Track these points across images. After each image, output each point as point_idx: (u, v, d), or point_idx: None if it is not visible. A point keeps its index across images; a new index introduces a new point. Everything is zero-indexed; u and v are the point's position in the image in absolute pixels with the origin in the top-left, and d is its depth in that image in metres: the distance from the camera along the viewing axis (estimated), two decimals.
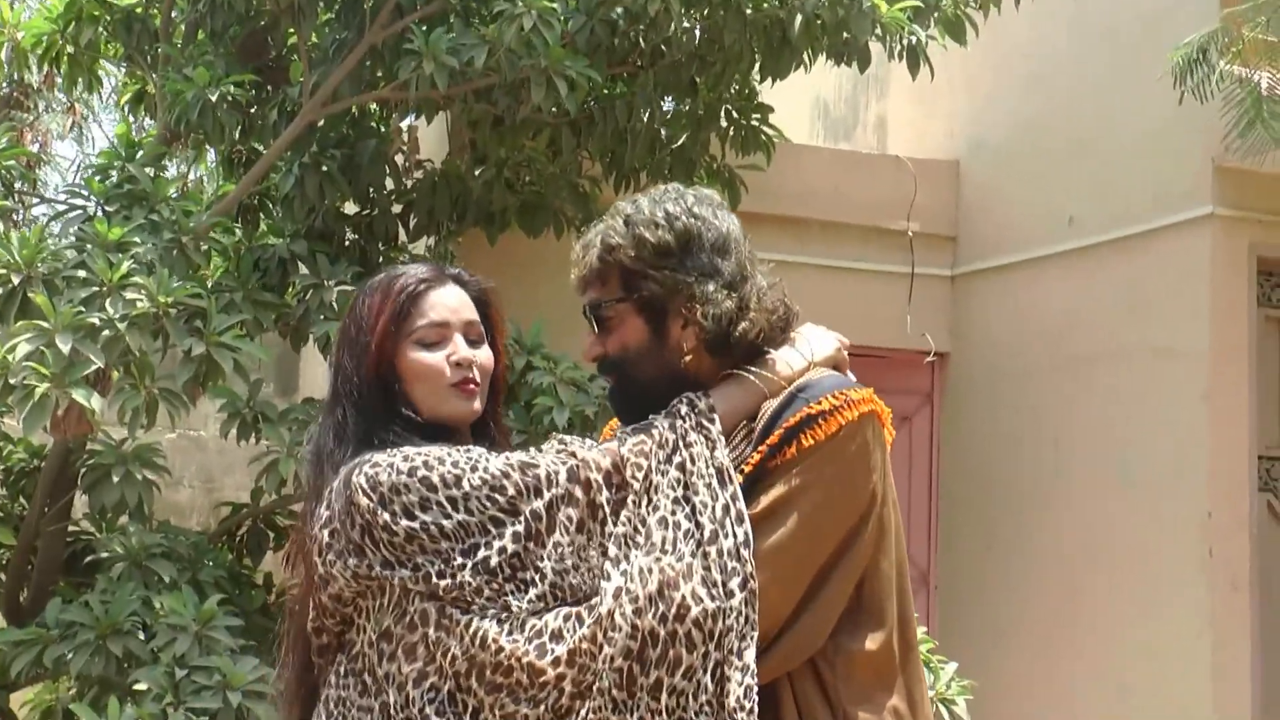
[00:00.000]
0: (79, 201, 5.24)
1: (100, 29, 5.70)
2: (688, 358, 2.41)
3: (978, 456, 8.14)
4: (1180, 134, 6.82)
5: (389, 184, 6.03)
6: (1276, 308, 7.13)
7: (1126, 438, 7.18)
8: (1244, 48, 6.15)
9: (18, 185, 5.31)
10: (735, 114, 6.28)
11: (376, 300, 2.39)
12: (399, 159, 6.04)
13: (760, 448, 2.29)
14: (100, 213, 5.08)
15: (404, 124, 6.07)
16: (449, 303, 2.41)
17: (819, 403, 2.30)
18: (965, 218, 8.41)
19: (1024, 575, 7.73)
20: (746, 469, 2.29)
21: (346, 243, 5.94)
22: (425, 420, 2.36)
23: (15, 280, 4.57)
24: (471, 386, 2.38)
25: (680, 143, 6.09)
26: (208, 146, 6.21)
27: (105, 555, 4.90)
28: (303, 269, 5.62)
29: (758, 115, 6.30)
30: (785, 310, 2.47)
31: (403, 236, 6.13)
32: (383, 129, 5.97)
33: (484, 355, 2.42)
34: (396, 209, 6.07)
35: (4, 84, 6.27)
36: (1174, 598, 6.82)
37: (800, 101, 9.46)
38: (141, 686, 4.40)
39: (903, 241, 8.25)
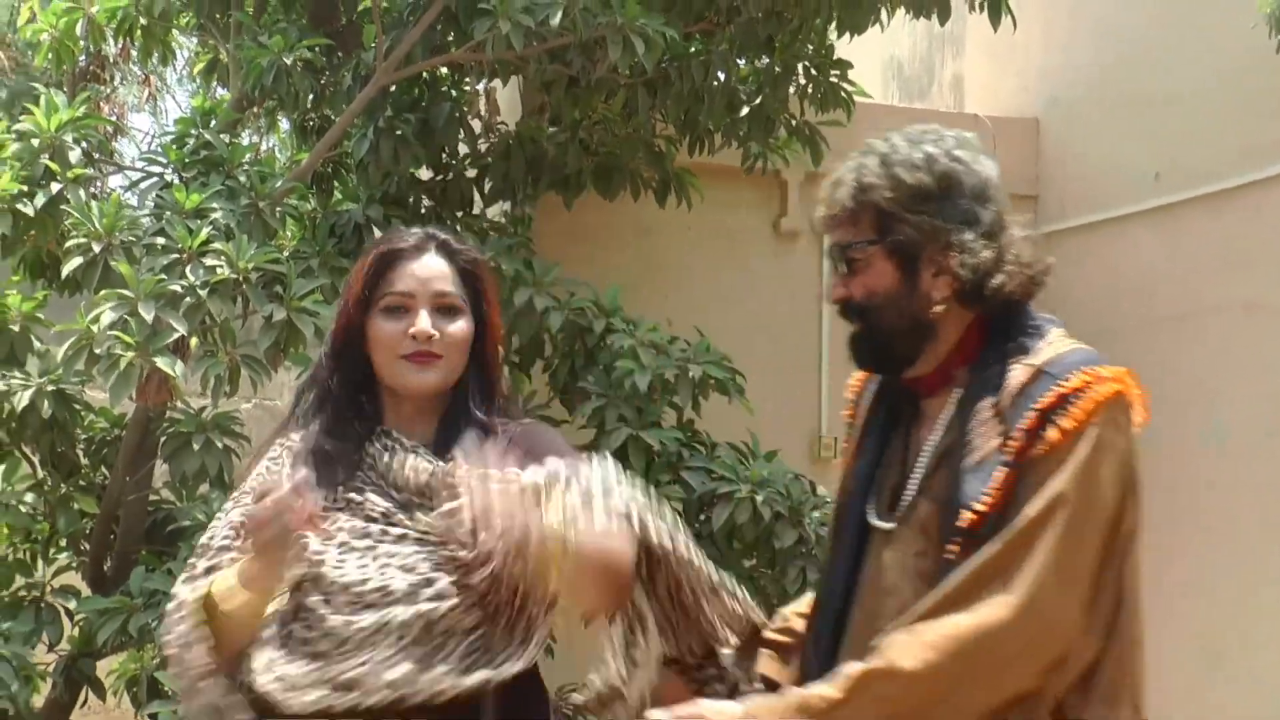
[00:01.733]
0: (155, 169, 5.24)
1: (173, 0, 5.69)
2: (938, 308, 2.32)
3: None
4: (1270, 83, 6.63)
5: (463, 149, 5.99)
6: None
7: (1218, 397, 7.03)
8: None
9: (96, 156, 5.31)
10: (813, 71, 6.18)
11: (360, 264, 2.45)
12: (475, 123, 6.00)
13: (1015, 433, 2.17)
14: (177, 180, 5.07)
15: (480, 86, 6.02)
16: (419, 273, 2.41)
17: (1067, 379, 2.20)
18: (1046, 176, 8.26)
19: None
20: (1007, 457, 2.16)
21: (422, 209, 5.91)
22: (386, 386, 2.42)
23: (96, 249, 4.57)
24: (425, 359, 2.39)
25: (758, 101, 6.01)
26: (280, 115, 6.20)
27: (187, 523, 4.90)
28: (377, 234, 5.59)
29: (836, 72, 6.20)
30: (1043, 265, 2.40)
31: (478, 202, 6.09)
32: (455, 93, 5.92)
33: (454, 327, 2.41)
34: (471, 174, 6.03)
35: (81, 58, 6.25)
36: (1264, 560, 6.68)
37: (874, 62, 9.32)
38: None
39: None
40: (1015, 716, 2.13)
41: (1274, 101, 6.68)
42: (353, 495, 2.38)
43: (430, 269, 2.42)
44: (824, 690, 2.13)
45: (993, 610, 2.08)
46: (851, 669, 2.12)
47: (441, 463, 2.37)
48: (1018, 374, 2.23)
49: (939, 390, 2.35)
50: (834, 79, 6.17)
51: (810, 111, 6.31)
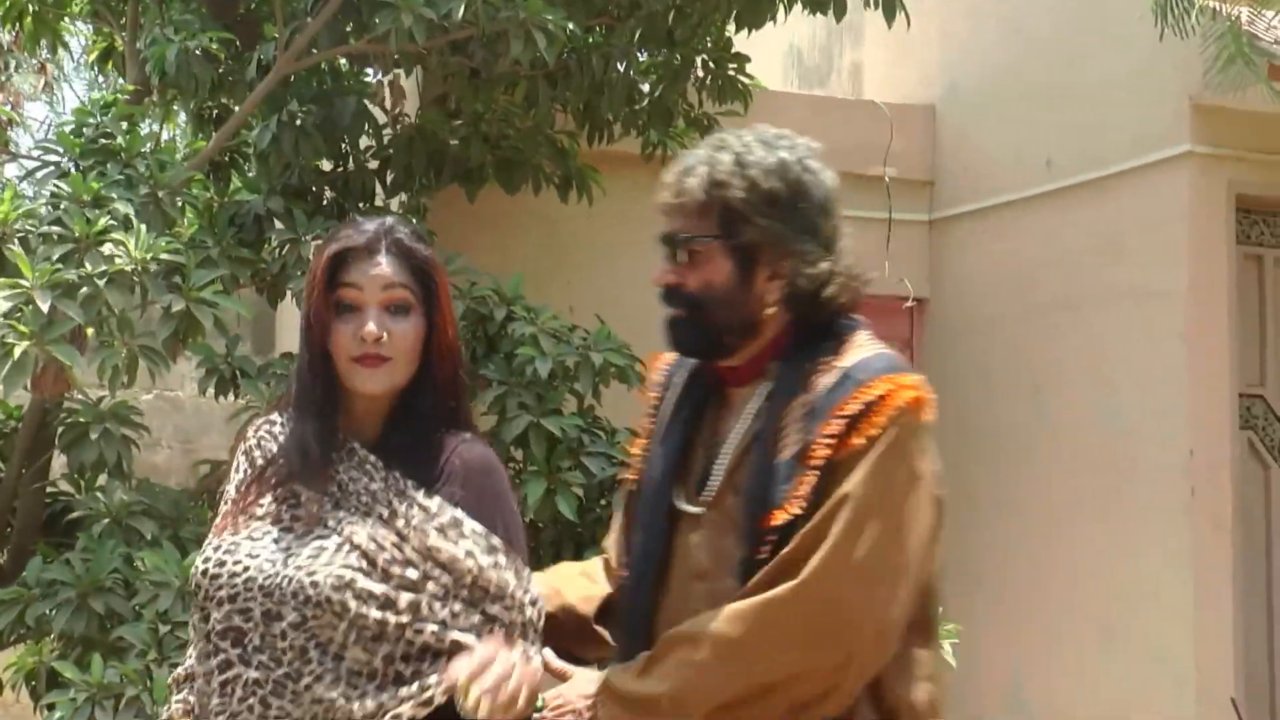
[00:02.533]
0: (52, 158, 5.19)
1: None
2: (769, 310, 2.39)
3: (958, 404, 8.15)
4: (1157, 73, 6.81)
5: (365, 141, 5.99)
6: (1255, 245, 7.15)
7: (1107, 380, 7.20)
8: None
9: None
10: (712, 64, 6.25)
11: (315, 262, 2.42)
12: (379, 114, 6.00)
13: (818, 439, 2.26)
14: (74, 169, 5.03)
15: (383, 78, 6.02)
16: (369, 272, 2.37)
17: (870, 386, 2.29)
18: (942, 162, 8.40)
19: (1005, 521, 7.76)
20: (813, 461, 2.25)
21: (324, 200, 5.90)
22: (342, 385, 2.39)
23: None
24: (374, 362, 2.35)
25: (658, 93, 6.07)
26: (176, 105, 6.15)
27: (85, 514, 4.87)
28: (279, 225, 5.58)
29: (734, 65, 6.28)
30: (867, 278, 2.48)
31: (380, 193, 6.09)
32: (357, 85, 5.92)
33: (402, 327, 2.37)
34: (373, 165, 6.03)
35: None
36: (1156, 539, 6.85)
37: (774, 50, 9.42)
38: (125, 644, 4.39)
39: (880, 187, 8.24)
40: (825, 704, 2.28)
41: (1162, 90, 6.85)
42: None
43: (381, 268, 2.37)
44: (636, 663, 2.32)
45: (777, 590, 2.21)
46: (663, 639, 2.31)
47: (387, 476, 2.35)
48: (824, 377, 2.32)
49: (749, 381, 2.43)
50: (732, 71, 6.25)
51: (709, 102, 6.38)
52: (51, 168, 5.15)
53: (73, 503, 5.09)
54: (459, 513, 2.29)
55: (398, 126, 6.03)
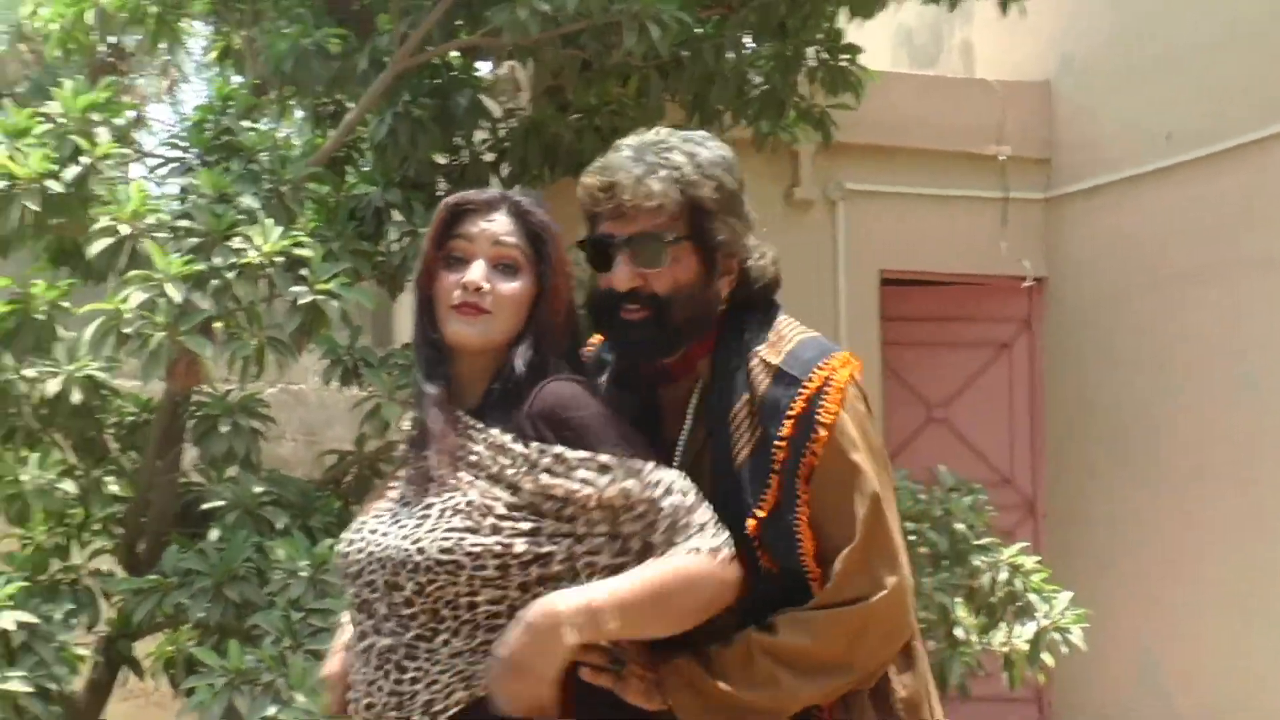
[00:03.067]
0: (177, 155, 5.29)
1: None
2: (722, 306, 2.45)
3: (1081, 382, 8.06)
4: (1276, 44, 6.66)
5: (479, 134, 6.04)
6: None
7: (1237, 351, 7.08)
8: None
9: (120, 143, 5.35)
10: (824, 55, 6.24)
11: (434, 219, 2.43)
12: (493, 107, 6.04)
13: (777, 443, 2.32)
14: (200, 164, 5.12)
15: (497, 71, 6.07)
16: (483, 226, 2.38)
17: (808, 381, 2.34)
18: (1058, 139, 8.30)
19: (1135, 499, 7.65)
20: (775, 466, 2.32)
21: (439, 192, 5.96)
22: (446, 343, 2.39)
23: (124, 231, 4.62)
24: (471, 311, 2.34)
25: (769, 85, 6.06)
26: (293, 101, 6.24)
27: (218, 504, 4.97)
28: (397, 217, 5.64)
29: (846, 56, 6.26)
30: (778, 267, 2.56)
31: (495, 186, 6.15)
32: (471, 79, 5.97)
33: (509, 286, 2.35)
34: (488, 158, 6.08)
35: (101, 49, 6.30)
36: None
37: (882, 30, 9.36)
38: (259, 631, 4.47)
39: (994, 166, 8.17)
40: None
41: None
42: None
43: (496, 225, 2.38)
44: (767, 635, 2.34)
45: (871, 603, 2.30)
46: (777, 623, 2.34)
47: (487, 435, 2.33)
48: (759, 375, 2.37)
49: (680, 379, 2.46)
50: (844, 62, 6.22)
51: (820, 94, 6.37)
52: (177, 164, 5.25)
53: (205, 493, 5.19)
54: (558, 448, 2.27)
55: (512, 119, 6.06)
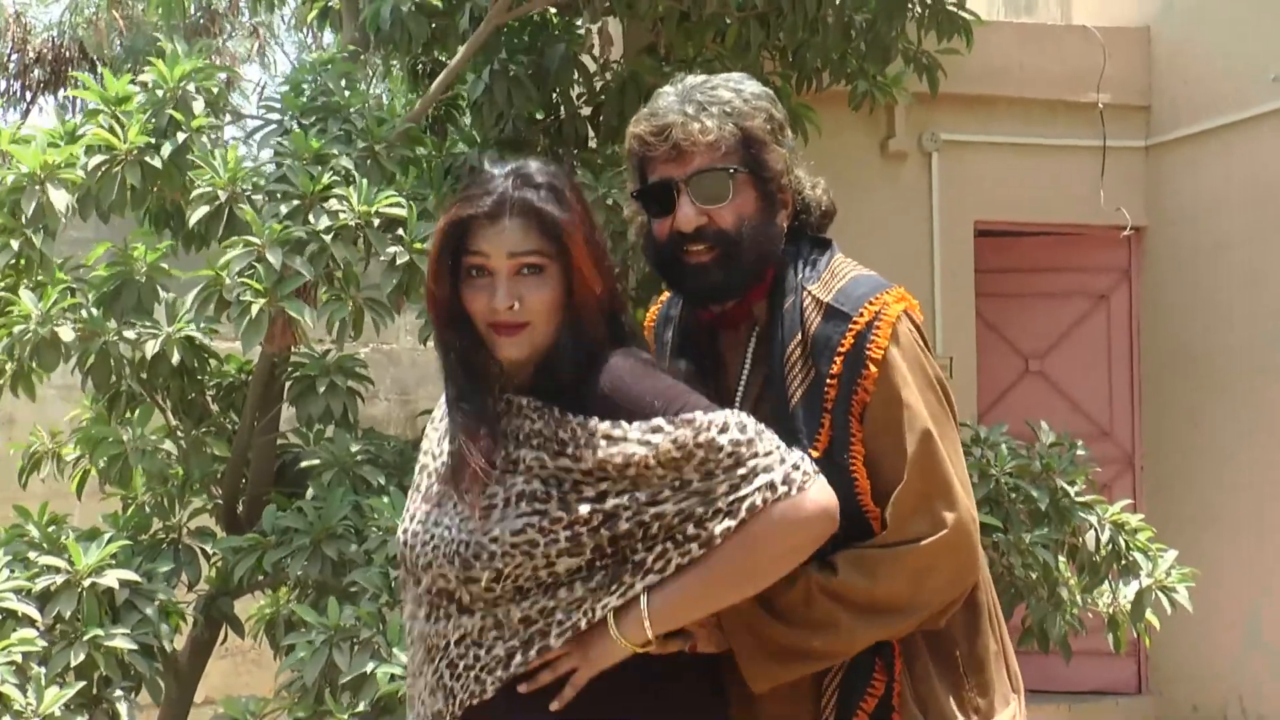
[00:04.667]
0: (274, 117, 5.31)
1: None
2: (783, 241, 2.44)
3: (1182, 332, 7.91)
4: None
5: (576, 89, 6.00)
6: None
7: None
8: None
9: (216, 106, 5.38)
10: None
11: (437, 230, 2.38)
12: (590, 63, 6.00)
13: (828, 381, 2.32)
14: (296, 127, 5.13)
15: (593, 26, 6.02)
16: (495, 240, 2.30)
17: (859, 316, 2.33)
18: (1158, 85, 8.13)
19: (1236, 454, 7.51)
20: (827, 404, 2.32)
21: (538, 149, 5.94)
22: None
23: (222, 197, 4.64)
24: (510, 330, 2.32)
25: (874, 30, 5.96)
26: (393, 61, 6.24)
27: (315, 463, 5.01)
28: None
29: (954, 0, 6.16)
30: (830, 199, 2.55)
31: (593, 139, 6.11)
32: (567, 35, 5.93)
33: (537, 293, 2.31)
34: (585, 113, 6.04)
35: (193, 10, 6.32)
36: None
37: None
38: (357, 588, 4.50)
39: (1093, 114, 8.03)
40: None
41: None
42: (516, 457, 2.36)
43: (504, 232, 2.30)
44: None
45: (931, 541, 2.29)
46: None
47: (545, 412, 2.34)
48: (811, 312, 2.35)
49: (741, 323, 2.45)
50: (952, 6, 6.12)
51: (928, 40, 6.26)
52: (273, 126, 5.27)
53: (302, 453, 5.23)
54: (612, 422, 2.28)
55: (607, 74, 6.02)
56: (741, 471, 2.24)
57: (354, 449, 5.00)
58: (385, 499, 4.71)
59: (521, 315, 2.31)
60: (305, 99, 5.22)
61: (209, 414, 5.37)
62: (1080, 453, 5.41)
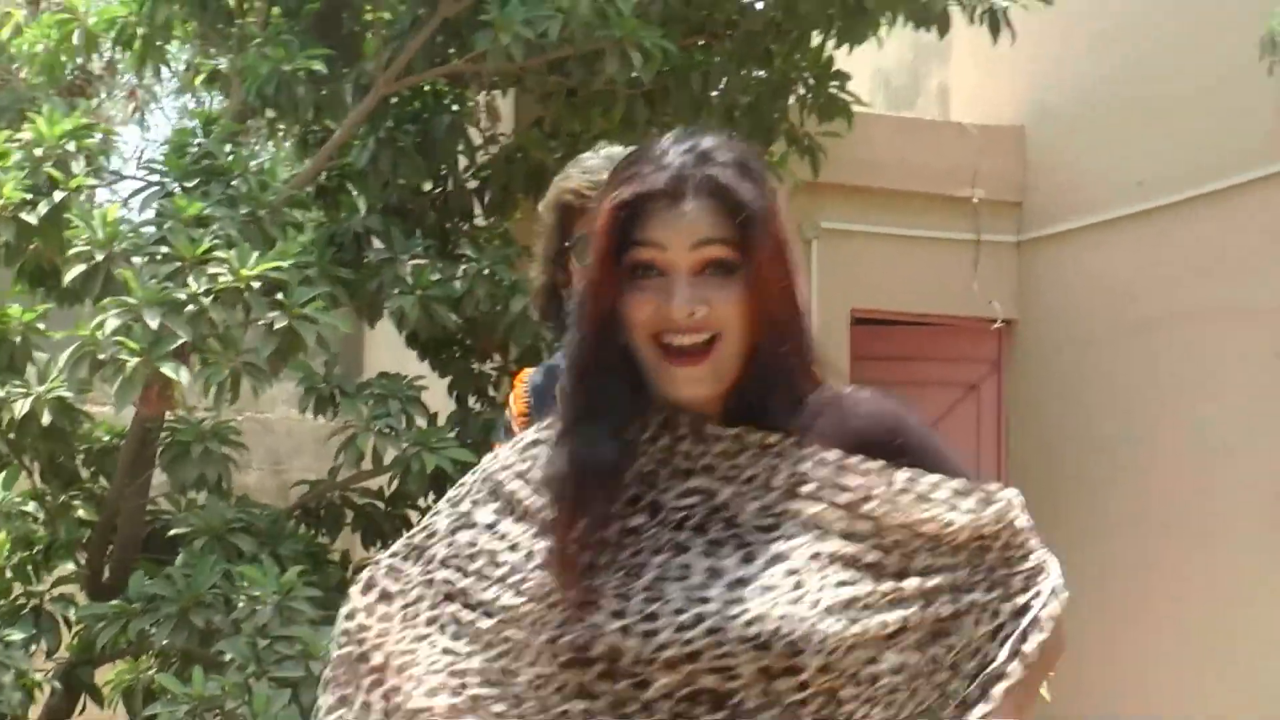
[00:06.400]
0: (155, 179, 5.26)
1: (175, 7, 5.71)
2: None
3: (1047, 424, 8.09)
4: (1253, 89, 6.72)
5: (464, 160, 6.03)
6: None
7: (1201, 401, 7.11)
8: None
9: (94, 166, 5.33)
10: (812, 81, 6.27)
11: (599, 209, 1.76)
12: (475, 134, 6.04)
13: None
14: (178, 189, 5.10)
15: (480, 98, 6.07)
16: (674, 224, 1.71)
17: None
18: (1031, 183, 8.35)
19: (1097, 546, 7.66)
20: None
21: (423, 220, 5.94)
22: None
23: (99, 257, 4.60)
24: (692, 359, 1.70)
25: (757, 112, 6.07)
26: (280, 126, 6.22)
27: (185, 530, 4.94)
28: (377, 244, 5.63)
29: (836, 83, 6.29)
30: None
31: (479, 213, 6.14)
32: (455, 106, 5.97)
33: (723, 294, 1.69)
34: (472, 185, 6.07)
35: (68, 71, 6.26)
36: (1256, 565, 6.75)
37: (860, 72, 9.40)
38: (225, 658, 4.43)
39: (968, 209, 8.20)
40: None
41: (1253, 110, 6.77)
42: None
43: (690, 217, 1.71)
44: None
45: None
46: None
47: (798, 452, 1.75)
48: None
49: None
50: (834, 89, 6.25)
51: (809, 122, 6.39)
52: (155, 188, 5.23)
53: (173, 519, 5.15)
54: (911, 472, 1.76)
55: (493, 147, 6.06)
56: (1029, 565, 1.85)
57: (227, 516, 4.94)
58: (256, 567, 4.64)
59: (708, 323, 1.69)
60: (188, 161, 5.19)
61: (77, 478, 5.28)
62: None
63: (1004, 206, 8.36)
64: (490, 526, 1.80)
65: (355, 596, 1.84)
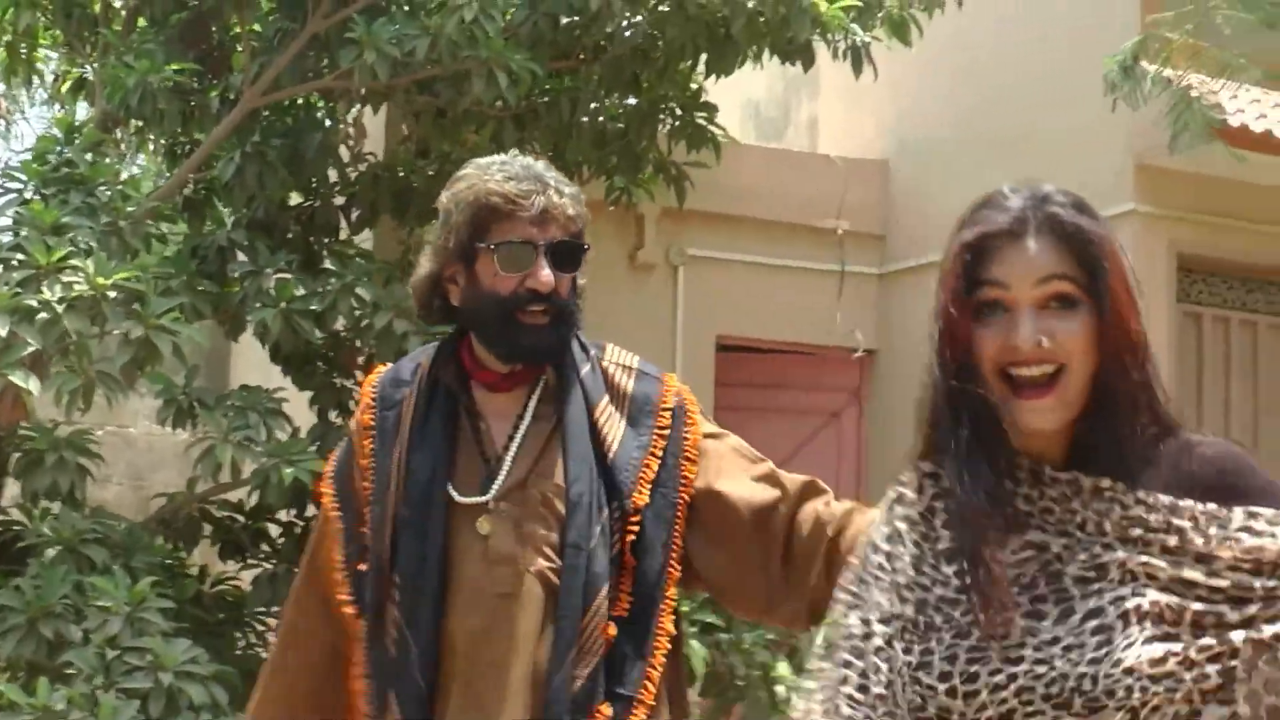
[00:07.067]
0: (14, 185, 5.22)
1: (39, 15, 5.67)
2: None
3: (904, 452, 8.25)
4: (1104, 133, 6.96)
5: (333, 175, 6.04)
6: (1195, 304, 7.33)
7: None
8: (1171, 53, 6.31)
9: None
10: (680, 111, 6.37)
11: (948, 251, 1.84)
12: (344, 151, 6.05)
13: (654, 429, 2.53)
14: (36, 196, 5.06)
15: (349, 115, 6.08)
16: (1016, 262, 1.78)
17: (664, 379, 2.58)
18: (894, 216, 8.54)
19: None
20: (655, 449, 2.51)
21: (289, 234, 5.94)
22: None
23: None
24: (1036, 392, 1.75)
25: (626, 138, 6.16)
26: (149, 136, 6.18)
27: (37, 540, 4.88)
28: (242, 257, 5.61)
29: (703, 113, 6.39)
30: None
31: (345, 230, 6.15)
32: (328, 122, 5.98)
33: (1066, 326, 1.75)
34: (339, 201, 6.08)
35: None
36: None
37: (731, 103, 9.54)
38: (73, 669, 4.39)
39: (833, 240, 8.36)
40: None
41: (1108, 150, 7.02)
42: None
43: (1033, 254, 1.79)
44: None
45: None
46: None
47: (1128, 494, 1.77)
48: (618, 374, 2.58)
49: (516, 387, 2.56)
50: (701, 120, 6.36)
51: (678, 150, 6.49)
52: (12, 195, 5.18)
53: (25, 530, 5.08)
54: (1249, 508, 1.73)
55: (361, 165, 6.08)
56: None
57: (80, 527, 4.89)
58: (108, 578, 4.61)
59: (1053, 354, 1.75)
60: (48, 169, 5.15)
61: None
62: None
63: (867, 238, 8.53)
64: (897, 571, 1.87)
65: None
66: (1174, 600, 1.69)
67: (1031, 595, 1.74)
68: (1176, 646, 1.67)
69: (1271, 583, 1.69)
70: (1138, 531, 1.72)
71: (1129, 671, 1.65)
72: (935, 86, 8.32)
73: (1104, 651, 1.67)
